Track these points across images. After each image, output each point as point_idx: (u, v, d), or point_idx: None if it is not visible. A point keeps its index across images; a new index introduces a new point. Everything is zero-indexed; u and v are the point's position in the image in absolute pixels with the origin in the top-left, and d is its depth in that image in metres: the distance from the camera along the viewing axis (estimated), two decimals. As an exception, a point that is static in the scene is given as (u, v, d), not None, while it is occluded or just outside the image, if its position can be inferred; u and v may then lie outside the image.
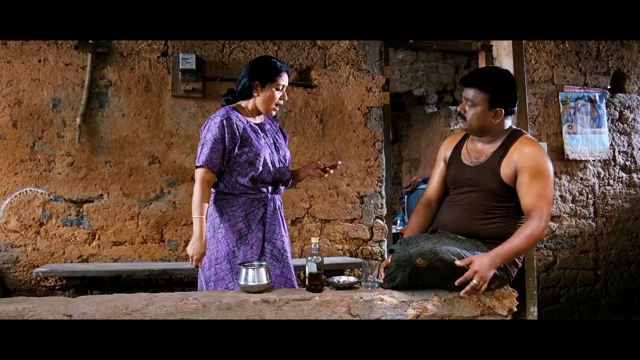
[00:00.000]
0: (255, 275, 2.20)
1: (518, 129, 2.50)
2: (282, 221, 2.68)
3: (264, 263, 2.28)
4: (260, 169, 2.55)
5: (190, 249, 2.46)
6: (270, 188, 2.63)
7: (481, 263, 2.17)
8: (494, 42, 3.03)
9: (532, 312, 2.57)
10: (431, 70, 7.27)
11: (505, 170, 2.34)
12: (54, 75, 4.05)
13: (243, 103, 2.66)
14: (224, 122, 2.50)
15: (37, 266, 3.90)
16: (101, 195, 4.10)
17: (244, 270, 2.21)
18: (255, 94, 2.59)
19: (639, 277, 5.26)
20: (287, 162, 2.75)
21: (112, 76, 4.15)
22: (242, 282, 2.21)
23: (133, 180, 4.15)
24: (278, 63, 2.61)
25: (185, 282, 4.17)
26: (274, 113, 2.66)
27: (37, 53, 4.03)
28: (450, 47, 5.23)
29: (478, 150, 2.46)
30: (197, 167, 2.54)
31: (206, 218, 2.51)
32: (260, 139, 2.59)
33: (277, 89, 2.59)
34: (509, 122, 2.45)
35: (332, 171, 2.71)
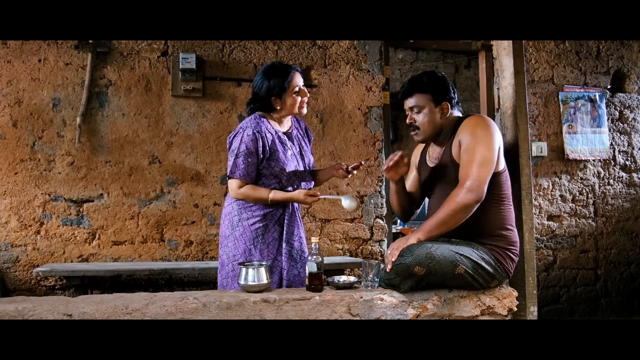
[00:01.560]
0: (255, 274, 2.20)
1: (468, 114, 2.47)
2: (300, 222, 2.73)
3: (264, 263, 2.29)
4: (284, 182, 2.59)
5: (302, 198, 2.53)
6: (290, 189, 2.65)
7: (399, 240, 2.26)
8: (494, 42, 3.03)
9: (532, 312, 2.56)
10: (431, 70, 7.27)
11: (455, 151, 2.34)
12: (54, 75, 4.05)
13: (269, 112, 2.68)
14: (256, 134, 2.52)
15: (37, 266, 3.91)
16: (101, 194, 4.10)
17: (243, 269, 2.22)
18: (278, 107, 2.61)
19: (639, 276, 5.26)
20: (311, 167, 2.77)
21: (112, 76, 4.15)
22: (242, 282, 2.21)
23: (133, 180, 4.15)
24: (287, 68, 2.61)
25: (185, 281, 4.17)
26: (304, 111, 2.68)
27: (37, 53, 4.03)
28: (450, 46, 5.23)
29: (437, 150, 2.49)
30: (231, 178, 2.57)
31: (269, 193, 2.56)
32: (287, 150, 2.61)
33: (296, 93, 2.59)
34: (457, 114, 2.46)
35: (355, 172, 2.72)
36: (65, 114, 4.05)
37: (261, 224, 2.56)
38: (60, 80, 4.06)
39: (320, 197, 2.55)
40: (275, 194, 2.53)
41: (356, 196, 4.53)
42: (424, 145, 2.64)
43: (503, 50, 2.75)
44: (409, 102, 2.42)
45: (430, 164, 2.51)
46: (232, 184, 2.56)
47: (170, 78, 4.23)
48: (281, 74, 2.58)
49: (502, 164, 2.36)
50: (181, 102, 4.26)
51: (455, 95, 2.46)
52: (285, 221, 2.61)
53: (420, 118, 2.40)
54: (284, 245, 2.59)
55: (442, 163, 2.42)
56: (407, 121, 2.46)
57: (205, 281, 4.13)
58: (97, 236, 4.08)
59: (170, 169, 4.22)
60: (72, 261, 4.03)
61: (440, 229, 2.23)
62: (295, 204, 2.69)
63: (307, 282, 2.27)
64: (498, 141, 2.30)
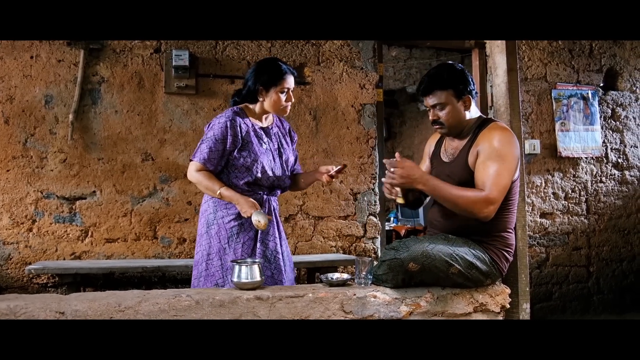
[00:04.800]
0: (248, 272, 2.20)
1: (489, 117, 2.47)
2: (277, 222, 2.70)
3: (257, 260, 2.28)
4: (258, 175, 2.56)
5: (246, 208, 2.48)
6: (266, 190, 2.65)
7: (412, 167, 2.24)
8: (487, 40, 3.03)
9: (525, 309, 2.57)
10: (425, 67, 7.27)
11: (471, 159, 2.32)
12: (46, 72, 4.03)
13: (251, 105, 2.67)
14: (228, 123, 2.52)
15: (30, 263, 3.89)
16: (94, 192, 4.08)
17: (237, 267, 2.21)
18: (261, 98, 2.61)
19: (631, 273, 5.29)
20: (289, 167, 2.76)
21: (104, 73, 4.13)
22: (235, 279, 2.20)
23: (126, 177, 4.14)
24: (283, 66, 2.61)
25: (178, 279, 4.16)
26: (286, 113, 2.67)
27: (29, 49, 4.01)
28: (443, 44, 5.24)
29: (454, 146, 2.47)
30: (192, 160, 2.56)
31: (221, 189, 2.53)
32: (262, 144, 2.60)
33: (282, 92, 2.59)
34: (476, 110, 2.45)
35: (339, 175, 2.71)
36: (58, 111, 4.03)
37: (236, 223, 2.55)
38: (52, 77, 4.04)
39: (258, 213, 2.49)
40: (226, 191, 2.51)
41: (349, 193, 4.54)
42: (439, 135, 2.61)
43: (496, 48, 2.76)
44: (430, 100, 2.39)
45: (445, 159, 2.49)
46: (191, 166, 2.57)
47: (163, 75, 4.22)
48: (278, 70, 2.59)
49: (517, 174, 2.36)
50: (174, 99, 4.24)
51: (474, 86, 2.43)
52: None
53: (443, 115, 2.37)
54: (258, 245, 2.58)
55: (457, 164, 2.39)
56: (431, 118, 2.43)
57: (199, 279, 4.12)
58: (89, 234, 4.07)
59: (163, 166, 4.20)
60: (64, 259, 4.01)
61: (441, 201, 2.27)
62: (274, 203, 2.68)
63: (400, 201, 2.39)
64: (518, 157, 2.32)
